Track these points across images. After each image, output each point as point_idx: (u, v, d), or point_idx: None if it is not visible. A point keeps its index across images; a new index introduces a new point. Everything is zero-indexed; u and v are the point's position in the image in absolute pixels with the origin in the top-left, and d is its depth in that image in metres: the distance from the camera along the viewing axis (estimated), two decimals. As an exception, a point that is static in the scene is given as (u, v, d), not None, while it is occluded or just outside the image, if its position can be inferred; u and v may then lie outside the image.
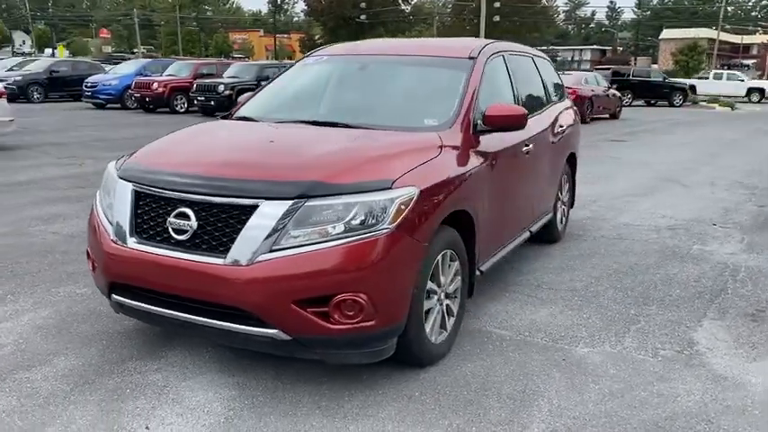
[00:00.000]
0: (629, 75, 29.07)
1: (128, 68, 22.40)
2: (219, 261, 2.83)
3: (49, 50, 71.39)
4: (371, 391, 3.12)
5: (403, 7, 66.63)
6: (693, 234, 6.23)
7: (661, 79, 29.58)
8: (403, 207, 2.93)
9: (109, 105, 21.07)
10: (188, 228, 2.93)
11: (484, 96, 4.05)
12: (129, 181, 3.20)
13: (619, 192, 8.35)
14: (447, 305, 3.48)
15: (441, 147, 3.44)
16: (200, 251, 2.90)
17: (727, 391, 3.20)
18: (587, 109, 18.25)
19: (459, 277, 3.58)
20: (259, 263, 2.78)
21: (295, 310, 2.79)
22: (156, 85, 18.95)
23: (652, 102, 29.29)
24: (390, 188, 2.94)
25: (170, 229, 2.98)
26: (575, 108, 6.27)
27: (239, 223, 2.85)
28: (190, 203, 2.96)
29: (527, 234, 4.80)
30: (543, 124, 5.04)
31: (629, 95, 27.74)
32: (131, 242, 3.06)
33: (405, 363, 3.30)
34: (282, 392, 3.11)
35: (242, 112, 4.26)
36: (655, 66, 66.09)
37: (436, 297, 3.36)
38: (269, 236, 2.79)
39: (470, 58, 4.18)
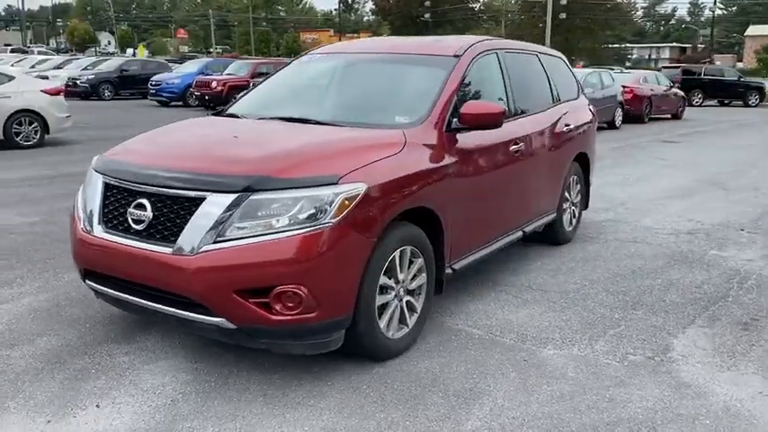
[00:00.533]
0: (700, 73, 27.87)
1: (190, 68, 23.20)
2: (168, 250, 2.97)
3: (130, 50, 74.58)
4: (320, 382, 3.20)
5: (472, 5, 66.19)
6: (714, 239, 5.99)
7: (736, 78, 28.21)
8: (347, 202, 2.98)
9: (172, 103, 21.89)
10: (144, 218, 3.09)
11: (466, 94, 4.05)
12: (101, 173, 3.39)
13: (653, 194, 8.09)
14: (408, 301, 3.51)
15: (403, 144, 3.47)
16: (153, 240, 3.04)
17: (683, 400, 3.10)
18: (645, 108, 17.66)
19: (424, 274, 3.60)
20: (203, 253, 2.90)
21: (237, 299, 2.90)
22: (215, 83, 19.55)
23: (726, 102, 28.00)
24: (336, 183, 3.00)
25: (129, 219, 3.14)
26: (592, 107, 6.13)
27: (189, 214, 2.97)
28: (147, 195, 3.12)
29: (519, 234, 4.74)
30: (542, 123, 4.97)
31: (700, 95, 26.63)
32: (98, 230, 3.25)
33: (358, 356, 3.35)
34: (235, 379, 3.22)
35: (231, 108, 4.41)
36: (740, 64, 63.10)
37: (394, 293, 3.39)
38: (213, 227, 2.91)
39: (455, 56, 4.18)
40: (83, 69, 25.53)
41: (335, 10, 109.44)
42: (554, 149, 5.14)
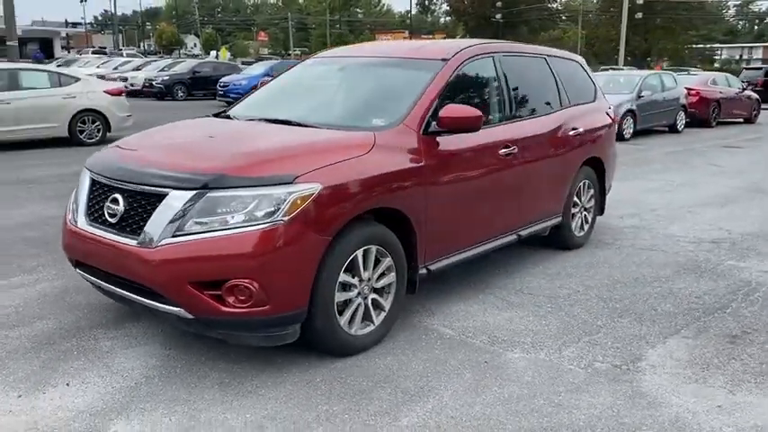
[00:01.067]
0: (785, 75, 26.36)
1: (257, 69, 23.92)
2: (134, 242, 3.18)
3: (213, 53, 77.37)
4: (278, 374, 3.33)
5: (550, 5, 64.95)
6: (737, 249, 5.75)
7: (827, 80, 26.51)
8: (300, 201, 3.10)
9: (239, 103, 22.64)
10: (117, 212, 3.31)
11: (452, 98, 4.09)
12: (89, 170, 3.65)
13: (690, 201, 7.81)
14: (374, 299, 3.60)
15: (371, 146, 3.56)
16: (123, 233, 3.26)
17: (633, 409, 3.05)
18: (713, 112, 16.89)
19: (393, 274, 3.67)
20: (162, 245, 3.09)
21: (192, 291, 3.07)
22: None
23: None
24: (291, 183, 3.13)
25: (106, 213, 3.37)
26: (611, 111, 6.01)
27: (153, 209, 3.18)
28: (120, 190, 3.34)
29: (512, 237, 4.73)
30: (545, 126, 4.94)
31: (783, 98, 25.17)
32: (81, 222, 3.50)
33: (319, 351, 3.47)
34: (200, 367, 3.40)
35: (230, 110, 4.61)
36: None
37: (357, 290, 3.48)
38: (173, 221, 3.09)
39: (443, 60, 4.23)
40: (159, 71, 26.77)
41: (412, 11, 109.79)
42: (559, 153, 5.09)
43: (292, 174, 3.16)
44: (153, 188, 3.21)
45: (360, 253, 3.44)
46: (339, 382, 3.27)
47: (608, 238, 6.05)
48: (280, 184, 3.12)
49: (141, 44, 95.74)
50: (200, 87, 25.54)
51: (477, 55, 4.47)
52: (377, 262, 3.59)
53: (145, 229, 3.15)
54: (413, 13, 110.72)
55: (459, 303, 4.33)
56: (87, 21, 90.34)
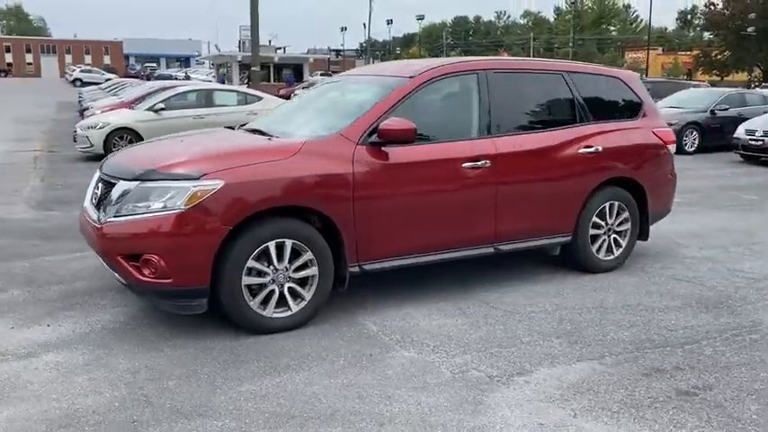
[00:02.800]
0: None
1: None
2: (95, 219, 4.08)
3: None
4: (197, 341, 3.94)
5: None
6: (795, 291, 5.02)
7: None
8: (200, 194, 3.74)
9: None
10: (97, 195, 4.26)
11: (407, 112, 4.38)
12: (99, 168, 4.66)
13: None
14: (291, 288, 4.07)
15: (295, 152, 4.05)
16: (96, 211, 4.18)
17: (450, 412, 3.15)
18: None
19: (315, 268, 4.10)
20: (107, 223, 3.94)
21: (120, 261, 3.87)
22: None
23: None
24: (198, 179, 3.78)
25: (93, 196, 4.35)
26: (662, 130, 5.63)
27: (108, 195, 4.05)
28: (101, 180, 4.30)
29: (488, 250, 4.78)
30: (538, 142, 4.91)
31: None
32: (85, 203, 4.52)
33: (235, 325, 4.04)
34: (147, 329, 4.16)
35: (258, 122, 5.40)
36: None
37: (270, 277, 4.00)
38: (115, 204, 3.93)
39: (410, 77, 4.54)
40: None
41: (669, 27, 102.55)
42: (561, 170, 5.00)
43: (201, 171, 3.81)
44: (110, 179, 4.10)
45: (272, 244, 3.95)
46: (232, 352, 3.81)
47: (650, 264, 5.65)
48: (188, 179, 3.79)
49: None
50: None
51: (451, 73, 4.69)
52: (297, 255, 4.05)
53: (101, 210, 4.04)
54: (670, 30, 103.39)
55: (406, 307, 4.53)
56: (353, 47, 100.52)
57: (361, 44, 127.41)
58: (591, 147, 5.13)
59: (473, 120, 4.70)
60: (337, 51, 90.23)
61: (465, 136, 4.66)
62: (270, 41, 44.35)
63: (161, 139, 5.08)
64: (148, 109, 12.62)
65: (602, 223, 5.35)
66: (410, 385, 3.42)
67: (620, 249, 5.51)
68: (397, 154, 4.28)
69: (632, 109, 5.58)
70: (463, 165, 4.53)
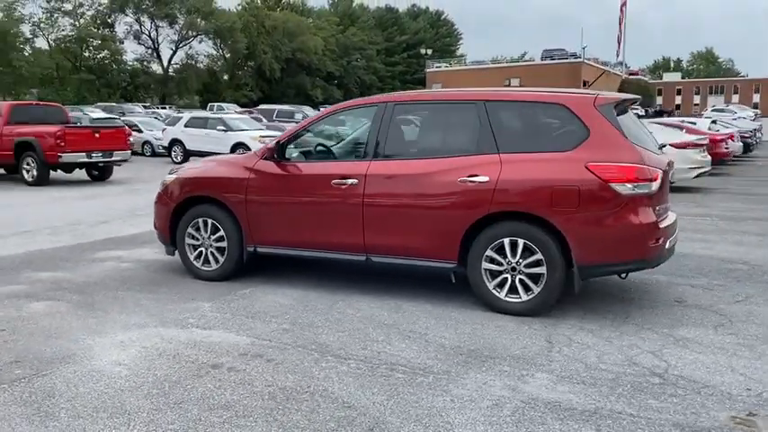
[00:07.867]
0: None
1: None
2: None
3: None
4: (183, 286, 6.45)
5: None
6: None
7: None
8: (167, 182, 6.28)
9: None
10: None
11: (314, 137, 5.81)
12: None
13: None
14: (212, 252, 6.09)
15: (237, 163, 6.03)
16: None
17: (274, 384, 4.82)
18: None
19: (225, 243, 6.01)
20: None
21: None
22: None
23: None
24: (172, 174, 6.32)
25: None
26: (595, 164, 4.71)
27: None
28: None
29: (360, 258, 5.40)
30: (413, 169, 5.26)
31: None
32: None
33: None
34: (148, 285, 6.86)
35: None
36: None
37: (200, 242, 6.14)
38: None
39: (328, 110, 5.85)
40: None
41: None
42: (437, 196, 5.13)
43: (174, 170, 6.33)
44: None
45: (200, 221, 6.10)
46: (167, 290, 6.17)
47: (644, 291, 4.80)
48: (171, 174, 6.36)
49: None
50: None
51: (354, 106, 5.65)
52: (216, 229, 6.05)
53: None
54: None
55: (286, 297, 5.68)
56: None
57: None
58: (476, 176, 4.98)
59: (350, 144, 5.53)
60: None
61: (337, 158, 5.70)
62: None
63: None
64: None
65: (501, 260, 5.01)
66: (291, 368, 5.14)
67: (532, 294, 4.95)
68: (292, 168, 5.69)
69: (567, 139, 4.88)
70: (332, 181, 5.46)
